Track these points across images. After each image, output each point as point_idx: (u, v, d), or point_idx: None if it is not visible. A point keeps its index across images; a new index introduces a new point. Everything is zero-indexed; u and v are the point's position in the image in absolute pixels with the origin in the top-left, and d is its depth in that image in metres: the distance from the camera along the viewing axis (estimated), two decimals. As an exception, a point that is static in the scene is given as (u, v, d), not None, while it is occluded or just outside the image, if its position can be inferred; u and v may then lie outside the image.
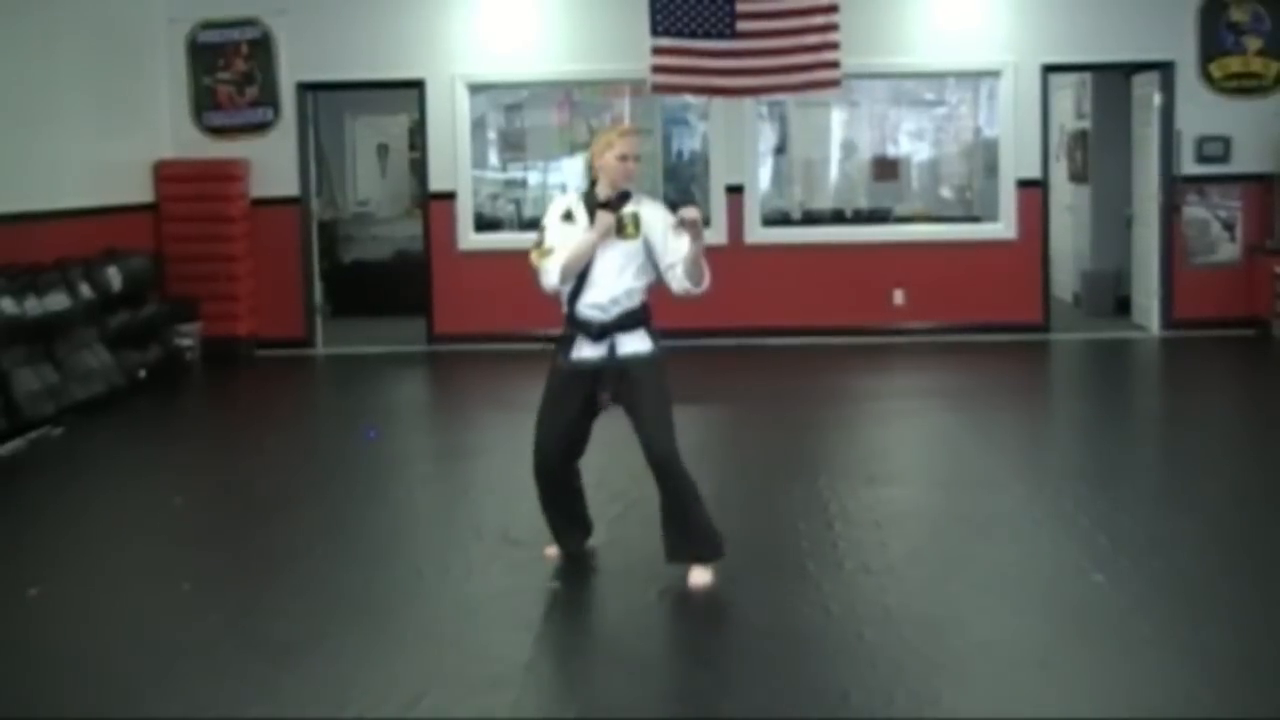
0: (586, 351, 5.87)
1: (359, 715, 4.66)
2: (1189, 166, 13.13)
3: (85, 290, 10.82)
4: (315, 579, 6.25)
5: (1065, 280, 15.22)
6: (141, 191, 12.83)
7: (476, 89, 13.71)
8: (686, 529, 5.86)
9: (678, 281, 5.83)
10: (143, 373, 11.36)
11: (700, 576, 5.82)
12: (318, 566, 6.44)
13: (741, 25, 12.46)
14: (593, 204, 5.87)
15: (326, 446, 9.40)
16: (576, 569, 6.20)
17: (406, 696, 4.79)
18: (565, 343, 5.93)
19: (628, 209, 5.84)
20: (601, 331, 5.83)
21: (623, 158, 5.89)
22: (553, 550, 6.26)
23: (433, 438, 10.38)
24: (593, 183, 5.98)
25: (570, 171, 14.93)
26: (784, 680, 4.89)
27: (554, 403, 6.00)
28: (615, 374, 5.85)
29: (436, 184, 13.58)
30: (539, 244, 5.89)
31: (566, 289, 5.86)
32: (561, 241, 5.82)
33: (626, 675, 5.00)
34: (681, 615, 5.54)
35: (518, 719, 4.61)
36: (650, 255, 5.85)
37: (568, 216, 5.91)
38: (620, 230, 5.77)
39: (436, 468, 9.18)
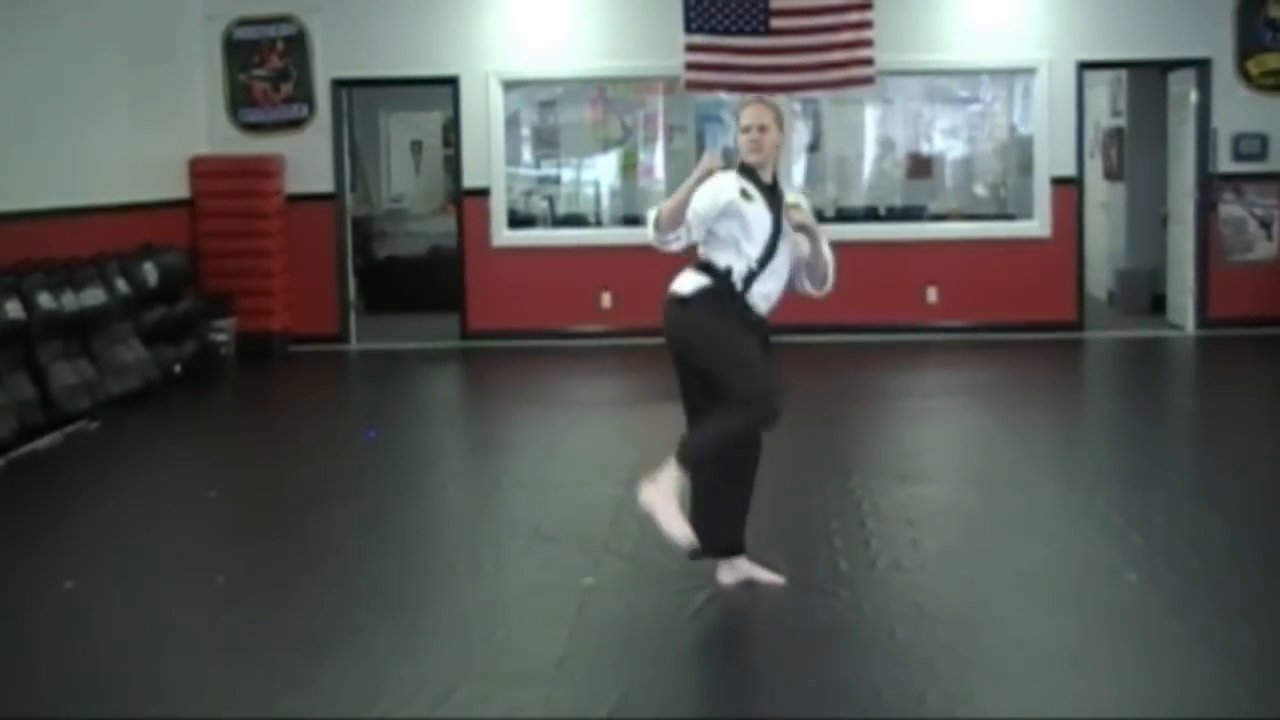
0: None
1: (390, 710, 4.66)
2: (1225, 164, 13.06)
3: (121, 285, 10.86)
4: (348, 573, 6.27)
5: (1099, 278, 15.15)
6: (177, 187, 12.89)
7: (510, 86, 13.73)
8: None
9: (799, 283, 5.80)
10: (178, 367, 11.41)
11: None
12: (350, 561, 6.46)
13: (775, 22, 12.45)
14: (763, 184, 5.57)
15: (359, 442, 9.41)
16: (609, 565, 6.20)
17: (438, 692, 4.78)
18: (729, 299, 5.49)
19: (791, 197, 5.69)
20: (759, 325, 5.61)
21: (744, 129, 5.61)
22: (734, 574, 5.72)
23: (465, 433, 10.41)
24: (741, 165, 5.62)
25: (604, 168, 14.94)
26: (816, 678, 4.88)
27: (750, 345, 5.52)
28: None
29: (470, 180, 13.61)
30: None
31: (740, 262, 5.47)
32: (739, 214, 5.44)
33: (659, 672, 4.99)
34: (714, 613, 5.53)
35: (550, 716, 4.61)
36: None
37: (746, 195, 5.49)
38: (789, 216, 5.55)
39: (469, 463, 9.20)
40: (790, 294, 5.79)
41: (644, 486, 5.40)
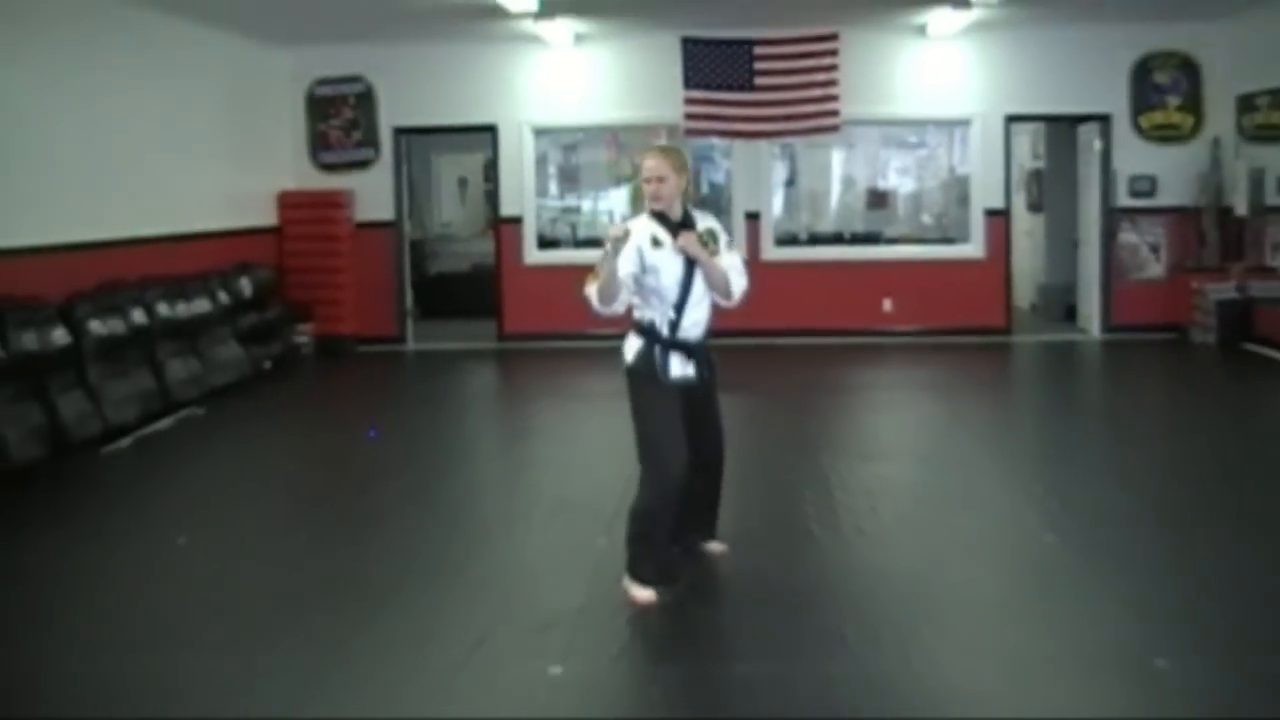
0: (688, 369, 5.12)
1: (438, 649, 4.65)
2: (1123, 200, 13.04)
3: (222, 297, 10.87)
4: (403, 535, 6.25)
5: (1024, 292, 15.08)
6: (267, 216, 12.89)
7: (540, 132, 13.71)
8: (716, 512, 5.61)
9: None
10: (267, 364, 11.42)
11: (720, 546, 5.65)
12: (404, 525, 6.44)
13: (759, 80, 12.47)
14: (672, 225, 5.06)
15: (413, 426, 9.40)
16: (619, 530, 6.17)
17: (477, 634, 4.77)
18: (662, 360, 5.08)
19: (702, 226, 5.13)
20: (698, 349, 5.16)
21: (645, 180, 5.11)
22: (646, 593, 5.06)
23: (500, 420, 10.40)
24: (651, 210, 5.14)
25: (616, 199, 14.92)
26: (791, 622, 4.86)
27: (669, 418, 5.05)
28: (700, 388, 5.21)
29: (506, 209, 13.59)
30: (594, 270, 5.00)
31: (660, 313, 5.06)
32: (652, 265, 4.99)
33: (660, 618, 4.96)
34: (708, 569, 5.50)
35: (571, 654, 4.59)
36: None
37: (656, 243, 5.02)
38: (704, 246, 5.05)
39: (503, 445, 9.19)
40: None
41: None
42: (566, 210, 15.14)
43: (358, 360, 12.86)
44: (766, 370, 11.32)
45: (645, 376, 5.10)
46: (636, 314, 5.10)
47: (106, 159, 9.65)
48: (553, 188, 15.05)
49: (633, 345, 5.16)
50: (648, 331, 5.11)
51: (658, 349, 5.09)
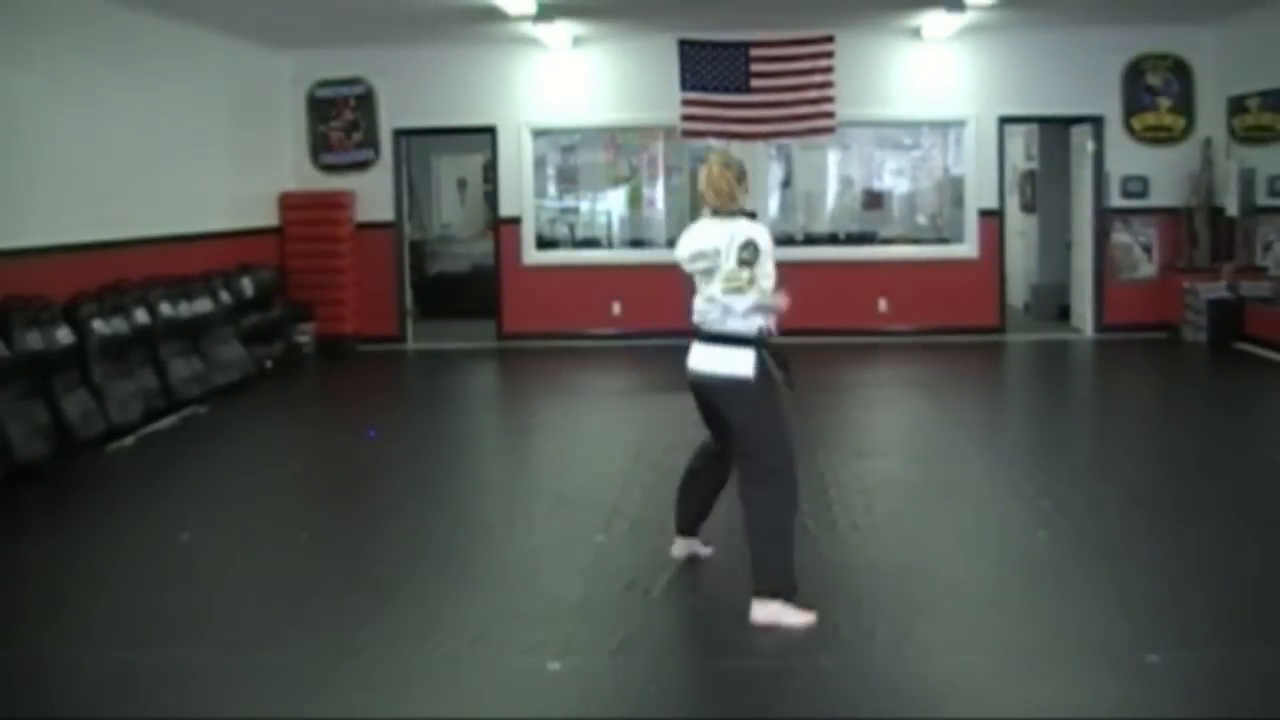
0: None
1: (440, 642, 4.67)
2: (1116, 200, 13.06)
3: (224, 297, 10.88)
4: (405, 531, 6.27)
5: (1017, 292, 15.11)
6: (269, 217, 12.90)
7: (538, 133, 13.72)
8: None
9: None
10: (269, 363, 11.42)
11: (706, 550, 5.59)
12: (408, 521, 6.46)
13: (755, 83, 12.47)
14: None
15: (415, 423, 9.42)
16: (617, 525, 6.20)
17: (479, 627, 4.80)
18: (767, 365, 4.97)
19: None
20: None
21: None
22: (806, 616, 4.78)
23: (501, 418, 10.40)
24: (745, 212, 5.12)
25: (614, 201, 14.92)
26: (786, 617, 4.87)
27: (786, 414, 5.06)
28: None
29: (505, 210, 13.60)
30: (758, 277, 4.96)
31: (765, 318, 5.06)
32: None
33: (658, 611, 4.99)
34: (705, 563, 5.53)
35: (571, 648, 4.61)
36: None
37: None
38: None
39: (504, 441, 9.20)
40: None
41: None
42: (565, 211, 15.13)
43: (358, 360, 12.87)
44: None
45: (768, 380, 4.95)
46: (737, 325, 4.95)
47: (110, 161, 9.66)
48: (551, 189, 15.06)
49: (744, 357, 4.91)
50: (756, 340, 4.98)
51: (765, 354, 4.98)
